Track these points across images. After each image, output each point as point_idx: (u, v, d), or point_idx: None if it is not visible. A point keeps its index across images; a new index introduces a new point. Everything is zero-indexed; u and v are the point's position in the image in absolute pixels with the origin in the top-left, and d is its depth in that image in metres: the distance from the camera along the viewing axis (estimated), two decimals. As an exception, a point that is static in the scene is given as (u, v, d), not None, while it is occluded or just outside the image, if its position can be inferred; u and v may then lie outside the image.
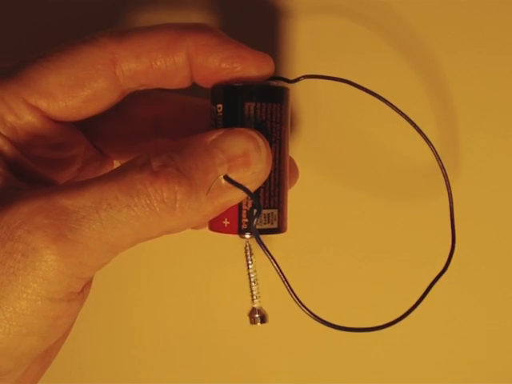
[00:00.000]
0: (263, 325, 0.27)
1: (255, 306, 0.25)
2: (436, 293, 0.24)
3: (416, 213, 0.30)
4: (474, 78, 0.30)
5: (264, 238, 0.23)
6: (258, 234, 0.22)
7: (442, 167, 0.26)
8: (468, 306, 0.30)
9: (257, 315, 0.25)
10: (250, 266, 0.25)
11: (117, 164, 0.30)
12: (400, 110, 0.25)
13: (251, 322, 0.25)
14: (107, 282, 0.31)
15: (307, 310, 0.22)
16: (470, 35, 0.30)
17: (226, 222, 0.23)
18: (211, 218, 0.22)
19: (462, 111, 0.30)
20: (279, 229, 0.24)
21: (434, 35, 0.30)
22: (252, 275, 0.25)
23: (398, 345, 0.31)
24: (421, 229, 0.30)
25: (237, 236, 0.24)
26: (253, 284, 0.25)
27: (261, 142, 0.22)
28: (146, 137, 0.27)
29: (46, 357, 0.24)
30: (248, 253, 0.25)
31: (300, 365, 0.31)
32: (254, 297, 0.25)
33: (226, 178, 0.21)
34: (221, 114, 0.24)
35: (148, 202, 0.20)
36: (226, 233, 0.24)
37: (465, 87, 0.30)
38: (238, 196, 0.22)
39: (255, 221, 0.22)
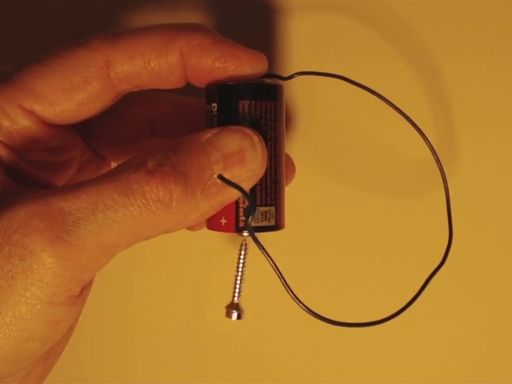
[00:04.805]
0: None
1: (235, 301, 0.25)
2: (433, 288, 0.24)
3: (413, 208, 0.30)
4: (471, 75, 0.30)
5: (261, 235, 0.23)
6: (253, 232, 0.22)
7: (438, 161, 0.26)
8: (465, 300, 0.30)
9: (234, 310, 0.25)
10: (241, 263, 0.25)
11: (114, 166, 0.30)
12: (396, 106, 0.25)
13: (227, 315, 0.25)
14: (105, 282, 0.31)
15: (303, 305, 0.23)
16: (467, 32, 0.30)
17: (223, 221, 0.23)
18: (208, 216, 0.22)
19: (459, 108, 0.30)
20: (277, 226, 0.24)
21: (430, 31, 0.30)
22: (240, 272, 0.25)
23: (395, 340, 0.31)
24: (418, 224, 0.30)
25: (235, 234, 0.24)
26: (238, 281, 0.25)
27: (256, 139, 0.22)
28: (142, 137, 0.27)
29: (49, 359, 0.24)
30: (242, 249, 0.25)
31: (298, 362, 0.31)
32: (237, 293, 0.25)
33: (220, 177, 0.21)
34: (215, 112, 0.24)
35: (144, 201, 0.20)
36: (223, 231, 0.24)
37: (462, 84, 0.30)
38: (234, 193, 0.22)
39: (250, 220, 0.22)
